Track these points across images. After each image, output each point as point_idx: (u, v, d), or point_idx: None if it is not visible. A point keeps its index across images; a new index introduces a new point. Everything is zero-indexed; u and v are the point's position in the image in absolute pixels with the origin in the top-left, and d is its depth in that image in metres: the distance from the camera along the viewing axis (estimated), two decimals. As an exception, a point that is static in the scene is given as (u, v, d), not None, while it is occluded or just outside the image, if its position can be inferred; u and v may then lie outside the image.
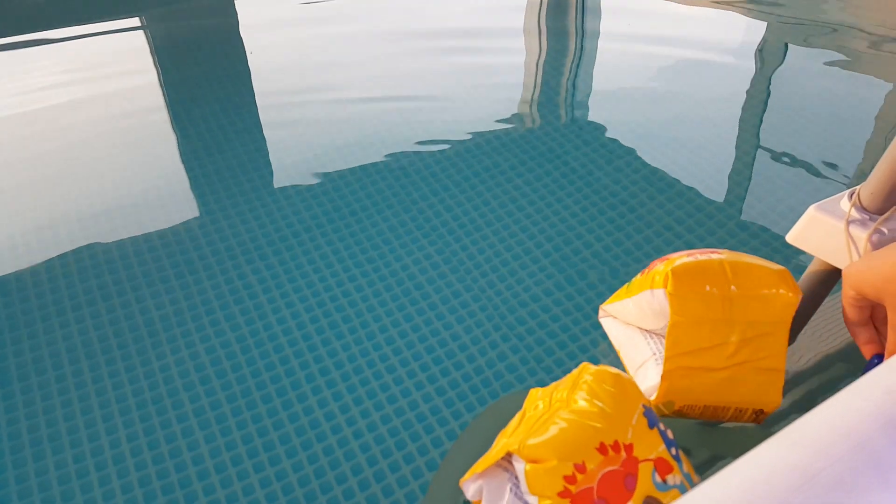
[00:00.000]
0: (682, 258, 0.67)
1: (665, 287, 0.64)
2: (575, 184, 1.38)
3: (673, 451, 0.58)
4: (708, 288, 0.62)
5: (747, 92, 1.66)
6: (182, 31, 1.97)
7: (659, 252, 1.23)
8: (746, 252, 0.73)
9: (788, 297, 0.60)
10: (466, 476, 0.59)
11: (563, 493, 0.51)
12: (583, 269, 1.19)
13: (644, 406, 0.58)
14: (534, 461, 0.53)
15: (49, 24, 1.95)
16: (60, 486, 0.90)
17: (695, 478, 0.60)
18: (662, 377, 0.65)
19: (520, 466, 0.54)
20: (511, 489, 0.55)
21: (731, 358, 0.62)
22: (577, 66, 1.81)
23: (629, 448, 0.54)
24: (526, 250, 1.23)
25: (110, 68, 1.79)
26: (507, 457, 0.57)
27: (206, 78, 1.72)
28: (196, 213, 1.32)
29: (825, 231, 0.67)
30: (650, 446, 0.56)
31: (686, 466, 0.59)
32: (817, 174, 1.40)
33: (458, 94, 1.67)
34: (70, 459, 0.93)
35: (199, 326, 1.10)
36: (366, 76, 1.75)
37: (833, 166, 1.41)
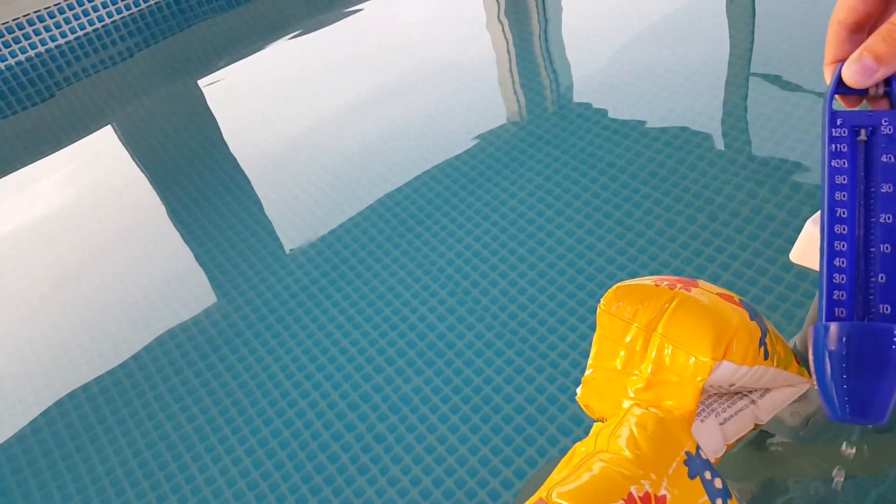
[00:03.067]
0: (645, 281, 0.62)
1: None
2: (580, 169, 1.35)
3: (719, 502, 0.53)
4: (635, 322, 0.58)
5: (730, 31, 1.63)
6: (153, 126, 1.98)
7: (679, 215, 1.19)
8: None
9: (699, 361, 0.55)
10: None
11: None
12: (599, 264, 1.16)
13: (688, 453, 0.54)
14: None
15: (27, 150, 1.98)
16: None
17: None
18: (584, 381, 0.63)
19: None
20: None
21: (640, 392, 0.59)
22: (546, 43, 1.79)
23: (661, 500, 0.51)
24: (540, 272, 1.20)
25: (91, 177, 1.80)
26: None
27: (185, 161, 1.72)
28: (214, 292, 1.32)
29: None
30: (688, 498, 0.52)
31: None
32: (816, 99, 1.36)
33: (433, 105, 1.66)
34: None
35: (235, 428, 1.08)
36: (337, 117, 1.74)
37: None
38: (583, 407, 0.65)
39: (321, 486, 0.98)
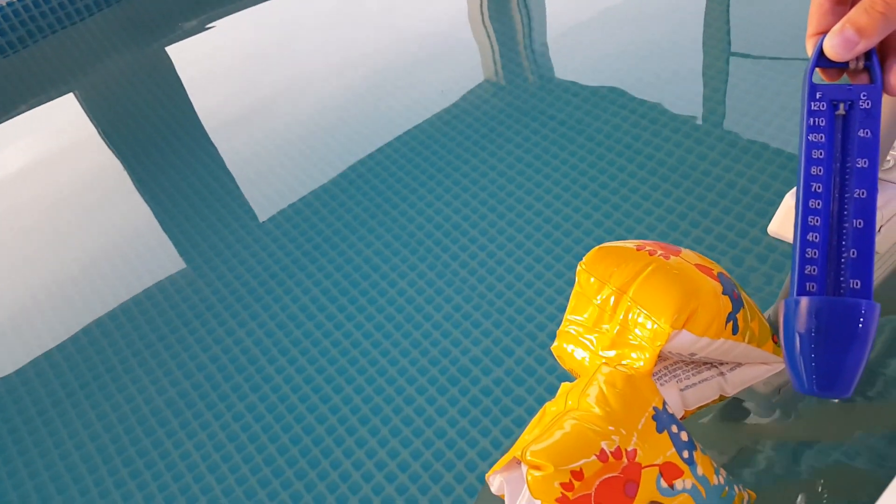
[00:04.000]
0: (629, 246, 0.64)
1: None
2: (566, 136, 1.34)
3: (686, 454, 0.56)
4: (611, 282, 0.60)
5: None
6: (117, 93, 1.90)
7: (655, 189, 1.19)
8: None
9: (660, 327, 0.57)
10: (491, 472, 0.60)
11: (562, 500, 0.52)
12: (576, 234, 1.16)
13: (655, 408, 0.57)
14: (535, 468, 0.53)
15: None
16: None
17: (713, 479, 0.58)
18: (558, 334, 0.66)
19: (524, 471, 0.55)
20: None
21: (604, 349, 0.61)
22: (527, 12, 1.76)
23: (632, 454, 0.54)
24: (518, 243, 1.20)
25: (53, 146, 1.73)
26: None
27: (153, 129, 1.67)
28: (183, 266, 1.28)
29: None
30: (657, 451, 0.55)
31: (702, 469, 0.57)
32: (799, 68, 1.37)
33: (412, 74, 1.62)
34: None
35: (209, 403, 1.07)
36: (311, 86, 1.69)
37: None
38: (556, 357, 0.68)
39: (297, 457, 0.98)
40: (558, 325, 1.06)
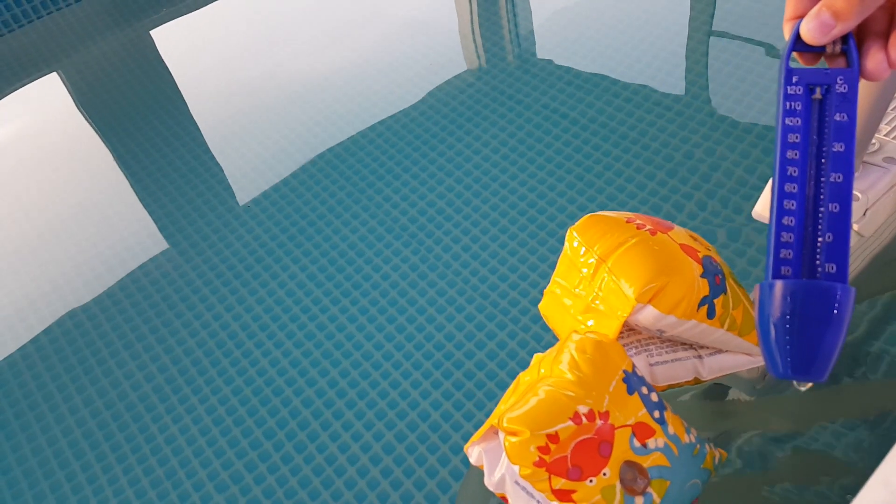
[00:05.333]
0: (625, 218, 0.66)
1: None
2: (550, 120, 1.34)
3: (657, 414, 0.59)
4: (594, 249, 0.62)
5: None
6: (101, 76, 1.88)
7: (639, 172, 1.20)
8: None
9: (627, 298, 0.59)
10: (469, 443, 0.62)
11: (539, 463, 0.54)
12: (551, 212, 1.17)
13: (625, 371, 0.59)
14: (511, 434, 0.55)
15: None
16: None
17: (685, 438, 0.60)
18: (545, 294, 0.69)
19: (501, 438, 0.57)
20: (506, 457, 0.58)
21: (578, 313, 0.64)
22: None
23: (605, 415, 0.56)
24: (502, 228, 1.20)
25: (36, 128, 1.71)
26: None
27: (137, 112, 1.65)
28: (168, 250, 1.28)
29: None
30: (629, 412, 0.57)
31: (673, 428, 0.59)
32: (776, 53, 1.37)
33: (395, 58, 1.61)
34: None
35: (196, 388, 1.07)
36: (293, 72, 1.68)
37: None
38: (543, 317, 0.70)
39: (283, 441, 0.99)
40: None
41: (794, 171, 0.39)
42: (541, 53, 1.56)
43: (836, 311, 0.37)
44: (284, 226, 1.30)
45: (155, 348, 1.14)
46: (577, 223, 0.65)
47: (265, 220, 1.32)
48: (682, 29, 1.53)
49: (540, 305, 0.69)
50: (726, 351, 0.66)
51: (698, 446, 0.61)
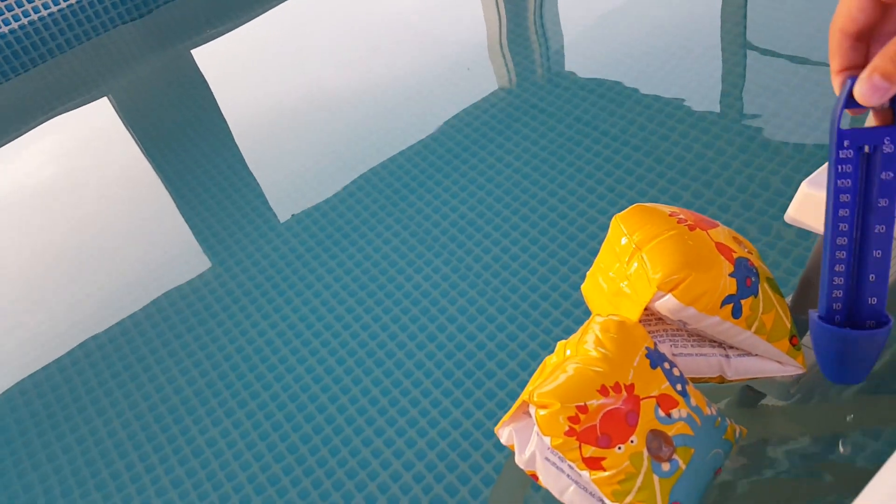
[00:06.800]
0: (671, 211, 0.70)
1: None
2: (574, 137, 1.35)
3: (679, 387, 0.62)
4: (633, 237, 0.66)
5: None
6: (146, 96, 1.96)
7: (673, 184, 1.20)
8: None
9: (650, 285, 0.63)
10: (499, 425, 0.66)
11: (569, 432, 0.57)
12: (567, 214, 1.17)
13: (647, 348, 0.63)
14: (542, 407, 0.59)
15: (19, 118, 1.96)
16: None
17: (706, 410, 0.63)
18: (587, 275, 0.73)
19: (532, 412, 0.60)
20: (536, 431, 0.62)
21: (613, 296, 0.67)
22: (540, 10, 1.77)
23: (630, 388, 0.59)
24: (533, 239, 1.22)
25: (87, 145, 1.80)
26: (527, 404, 0.64)
27: (180, 130, 1.72)
28: (208, 260, 1.33)
29: (821, 206, 0.64)
30: (652, 384, 0.60)
31: (695, 400, 0.63)
32: (811, 63, 1.36)
33: (425, 72, 1.65)
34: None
35: (234, 392, 1.11)
36: (327, 87, 1.73)
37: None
38: (584, 297, 0.74)
39: (318, 446, 1.01)
40: (574, 318, 1.08)
41: (845, 227, 0.44)
42: (570, 67, 1.58)
43: (875, 351, 0.47)
44: (319, 238, 1.33)
45: (197, 354, 1.19)
46: (623, 212, 0.69)
47: (300, 231, 1.36)
48: (716, 42, 1.53)
49: (582, 286, 0.74)
50: (755, 355, 0.67)
51: (719, 419, 0.64)
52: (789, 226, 0.75)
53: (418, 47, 1.82)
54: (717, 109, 1.36)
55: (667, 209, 0.68)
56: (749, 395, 0.83)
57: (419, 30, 1.90)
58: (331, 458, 1.00)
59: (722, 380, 0.68)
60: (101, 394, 1.17)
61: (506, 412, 0.95)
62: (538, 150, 1.38)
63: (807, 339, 0.71)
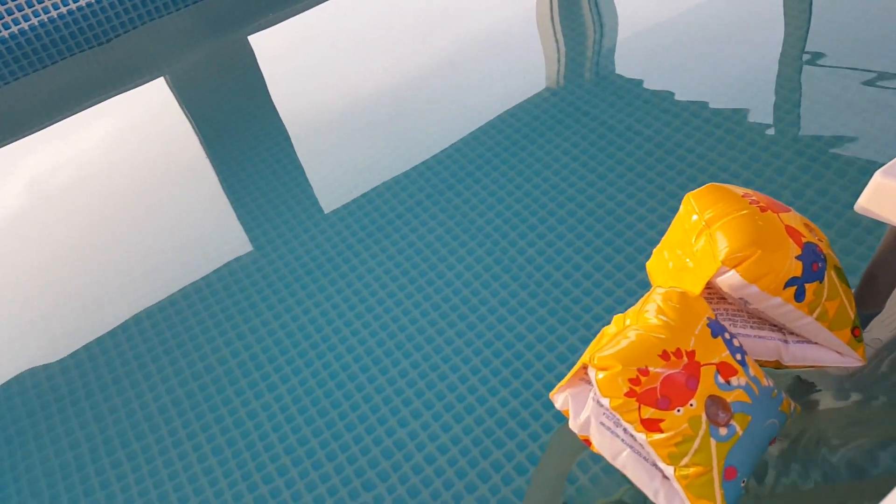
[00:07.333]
0: (744, 192, 0.71)
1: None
2: (615, 141, 1.35)
3: (738, 356, 0.64)
4: (704, 215, 0.67)
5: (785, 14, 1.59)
6: (201, 79, 2.02)
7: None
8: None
9: (715, 260, 0.65)
10: (555, 390, 0.68)
11: (629, 394, 0.59)
12: (610, 222, 1.17)
13: (709, 318, 0.64)
14: (603, 369, 0.61)
15: (78, 96, 2.04)
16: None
17: (764, 381, 0.64)
18: (654, 251, 0.76)
19: (592, 374, 0.62)
20: (593, 397, 0.64)
21: (677, 271, 0.69)
22: (597, 12, 1.77)
23: (691, 354, 0.61)
24: (578, 234, 1.22)
25: (142, 125, 1.86)
26: (585, 369, 0.66)
27: (234, 113, 1.77)
28: (249, 252, 1.37)
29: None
30: (713, 352, 0.62)
31: (753, 371, 0.64)
32: (871, 84, 1.33)
33: (475, 70, 1.66)
34: (175, 500, 0.98)
35: (277, 366, 1.14)
36: (380, 81, 1.76)
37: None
38: (648, 274, 0.76)
39: (355, 423, 1.03)
40: (615, 314, 1.08)
41: None
42: (620, 70, 1.58)
43: None
44: (365, 224, 1.36)
45: (241, 327, 1.22)
46: (696, 190, 0.71)
47: (347, 216, 1.38)
48: (774, 56, 1.51)
49: (647, 263, 0.76)
50: (815, 343, 0.67)
51: (776, 391, 0.65)
52: (843, 238, 0.74)
53: (471, 42, 1.83)
54: (764, 123, 1.34)
55: (740, 190, 0.69)
56: (800, 387, 0.82)
57: (471, 26, 1.91)
58: (366, 436, 1.01)
59: (778, 364, 0.69)
60: (148, 360, 1.21)
61: (542, 405, 0.97)
62: (578, 152, 1.38)
63: (867, 336, 0.71)
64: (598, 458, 0.88)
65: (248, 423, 1.07)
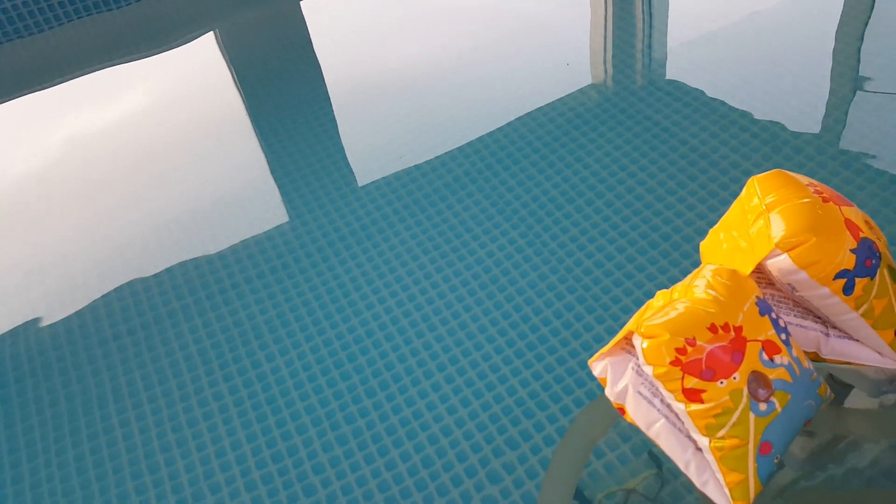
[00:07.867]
0: (808, 182, 0.71)
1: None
2: (666, 142, 1.33)
3: (783, 336, 0.64)
4: (766, 199, 0.68)
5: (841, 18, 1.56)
6: (251, 39, 2.04)
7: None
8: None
9: (770, 242, 0.65)
10: (594, 358, 0.68)
11: (675, 363, 0.60)
12: (654, 223, 1.16)
13: (757, 297, 0.65)
14: (649, 337, 0.61)
15: (128, 48, 2.07)
16: (190, 486, 0.98)
17: (805, 363, 0.65)
18: (710, 232, 0.76)
19: (638, 343, 0.62)
20: (633, 366, 0.64)
21: (730, 251, 0.70)
22: (649, 15, 1.74)
23: (738, 329, 0.62)
24: (613, 225, 1.21)
25: (188, 82, 1.88)
26: (629, 337, 0.66)
27: (278, 78, 1.78)
28: (285, 215, 1.38)
29: None
30: (759, 329, 0.63)
31: (796, 351, 0.64)
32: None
33: (523, 61, 1.65)
34: (197, 461, 1.01)
35: (303, 326, 1.15)
36: (429, 57, 1.75)
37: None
38: (700, 253, 0.77)
39: (375, 389, 1.05)
40: (638, 307, 1.07)
41: None
42: (669, 75, 1.55)
43: None
44: (401, 195, 1.36)
45: (272, 287, 1.24)
46: (762, 174, 0.71)
47: (384, 186, 1.39)
48: (825, 71, 1.46)
49: (701, 243, 0.77)
50: (856, 340, 0.67)
51: (815, 374, 0.66)
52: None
53: (520, 32, 1.82)
54: (808, 136, 1.31)
55: (805, 179, 0.69)
56: (832, 386, 0.81)
57: (521, 19, 1.89)
58: (386, 403, 1.03)
59: (816, 356, 0.69)
60: (181, 318, 1.23)
61: (563, 390, 0.98)
62: (614, 150, 1.37)
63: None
64: (614, 446, 0.88)
65: (269, 377, 1.09)
